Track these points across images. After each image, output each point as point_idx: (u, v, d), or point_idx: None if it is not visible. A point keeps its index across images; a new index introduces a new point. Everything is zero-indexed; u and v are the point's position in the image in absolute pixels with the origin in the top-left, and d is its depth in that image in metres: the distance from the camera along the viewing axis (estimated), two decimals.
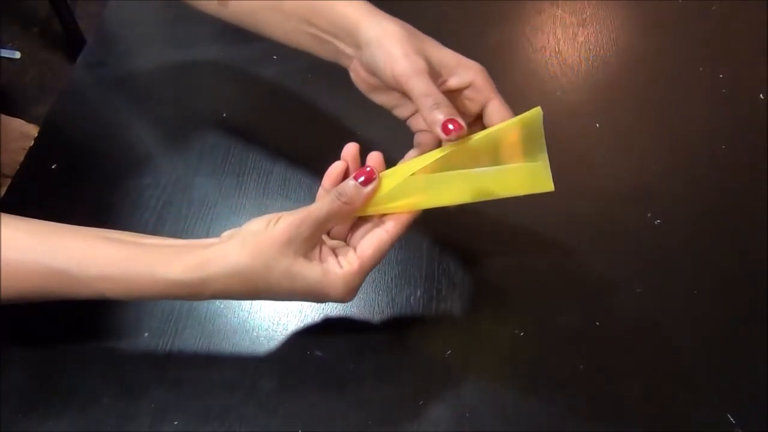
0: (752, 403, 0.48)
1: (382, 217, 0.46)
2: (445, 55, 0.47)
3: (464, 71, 0.46)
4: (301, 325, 0.52)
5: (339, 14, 0.48)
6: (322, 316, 0.52)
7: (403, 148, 0.49)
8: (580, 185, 0.60)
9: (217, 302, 0.52)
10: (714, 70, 0.69)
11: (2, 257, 0.42)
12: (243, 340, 0.51)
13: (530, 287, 0.54)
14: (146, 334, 0.51)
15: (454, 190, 0.44)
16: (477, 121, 0.48)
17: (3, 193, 0.61)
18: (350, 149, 0.46)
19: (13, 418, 0.47)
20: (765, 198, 0.59)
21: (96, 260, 0.42)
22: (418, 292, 0.53)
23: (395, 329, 0.52)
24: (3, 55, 1.66)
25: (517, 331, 0.51)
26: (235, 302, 0.52)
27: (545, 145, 0.43)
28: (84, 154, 0.62)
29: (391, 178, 0.45)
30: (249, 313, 0.52)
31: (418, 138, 0.50)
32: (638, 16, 0.76)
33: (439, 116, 0.42)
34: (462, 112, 0.47)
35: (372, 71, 0.47)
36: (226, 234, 0.44)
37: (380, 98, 0.50)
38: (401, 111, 0.50)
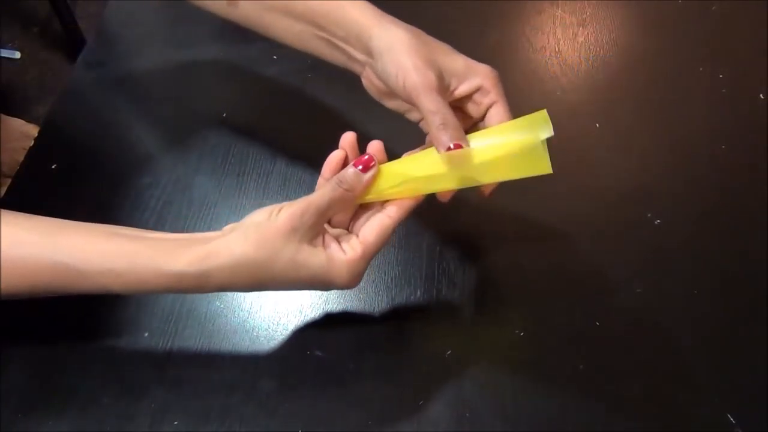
0: (752, 403, 0.48)
1: (384, 203, 0.46)
2: (455, 62, 0.46)
3: (473, 76, 0.46)
4: (301, 324, 0.52)
5: (349, 19, 0.48)
6: (322, 315, 0.52)
7: (403, 148, 0.48)
8: (580, 185, 0.60)
9: (217, 302, 0.52)
10: (714, 70, 0.69)
11: (8, 254, 0.42)
12: (243, 340, 0.51)
13: (530, 287, 0.54)
14: (146, 334, 0.51)
15: (454, 172, 0.44)
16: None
17: (3, 193, 0.62)
18: (348, 138, 0.46)
19: (13, 418, 0.47)
20: (765, 198, 0.59)
21: (101, 255, 0.42)
22: (418, 292, 0.53)
23: (395, 329, 0.52)
24: (3, 55, 1.66)
25: (517, 331, 0.51)
26: (235, 302, 0.52)
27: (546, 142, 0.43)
28: (84, 154, 0.62)
29: (391, 167, 0.45)
30: (249, 313, 0.52)
31: (430, 139, 0.50)
32: (638, 16, 0.76)
33: (445, 139, 0.43)
34: (469, 115, 0.47)
35: (384, 81, 0.47)
36: (227, 227, 0.44)
37: (392, 104, 0.51)
38: (413, 115, 0.50)
